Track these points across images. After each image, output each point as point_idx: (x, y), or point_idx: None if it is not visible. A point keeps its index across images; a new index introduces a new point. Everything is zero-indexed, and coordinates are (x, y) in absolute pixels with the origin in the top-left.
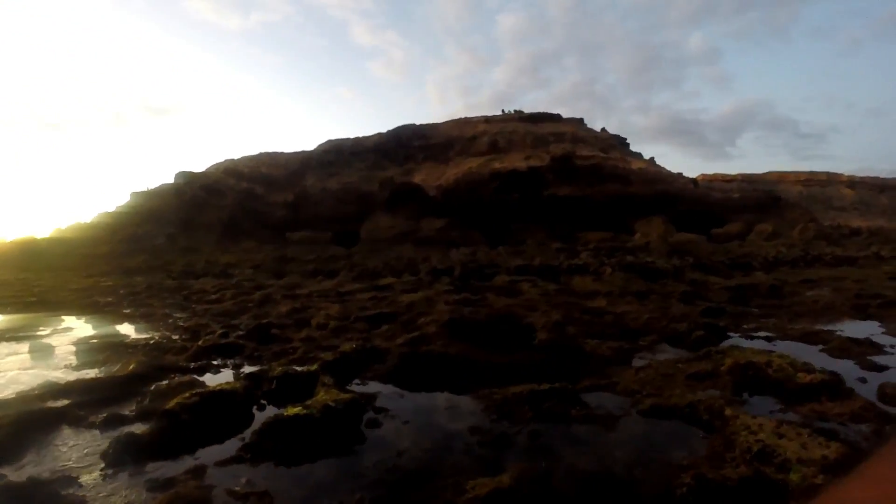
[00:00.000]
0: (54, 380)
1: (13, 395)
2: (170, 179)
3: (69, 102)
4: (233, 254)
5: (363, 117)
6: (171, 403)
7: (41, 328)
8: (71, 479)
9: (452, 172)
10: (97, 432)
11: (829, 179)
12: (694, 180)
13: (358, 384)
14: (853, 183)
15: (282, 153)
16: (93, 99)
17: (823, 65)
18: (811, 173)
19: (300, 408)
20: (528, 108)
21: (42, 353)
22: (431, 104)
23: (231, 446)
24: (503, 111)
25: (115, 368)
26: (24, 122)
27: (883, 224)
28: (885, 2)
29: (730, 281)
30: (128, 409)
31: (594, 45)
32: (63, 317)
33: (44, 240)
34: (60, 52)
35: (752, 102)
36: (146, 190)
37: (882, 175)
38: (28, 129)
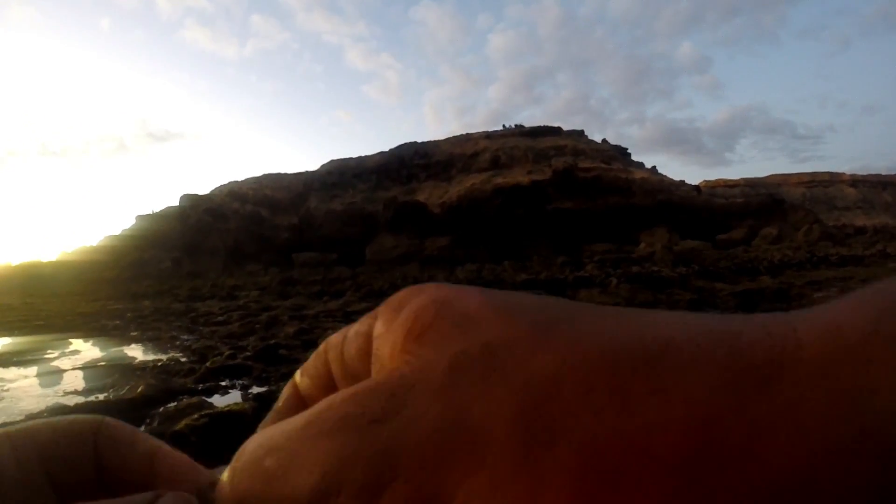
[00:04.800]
0: (63, 403)
1: (21, 418)
2: (174, 202)
3: (71, 130)
4: (238, 277)
5: (362, 138)
6: (180, 425)
7: (49, 351)
8: None
9: (455, 190)
10: None
11: (831, 179)
12: (697, 187)
13: None
14: (855, 181)
15: (285, 174)
16: (95, 126)
17: (814, 65)
18: (813, 174)
19: None
20: (524, 125)
21: (50, 376)
22: (428, 124)
23: None
24: (504, 126)
25: (123, 391)
26: (27, 150)
27: (887, 221)
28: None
29: (736, 287)
30: None
31: (585, 60)
32: (71, 340)
33: (49, 264)
34: (62, 81)
35: (746, 108)
36: (151, 213)
37: (882, 172)
38: (31, 156)
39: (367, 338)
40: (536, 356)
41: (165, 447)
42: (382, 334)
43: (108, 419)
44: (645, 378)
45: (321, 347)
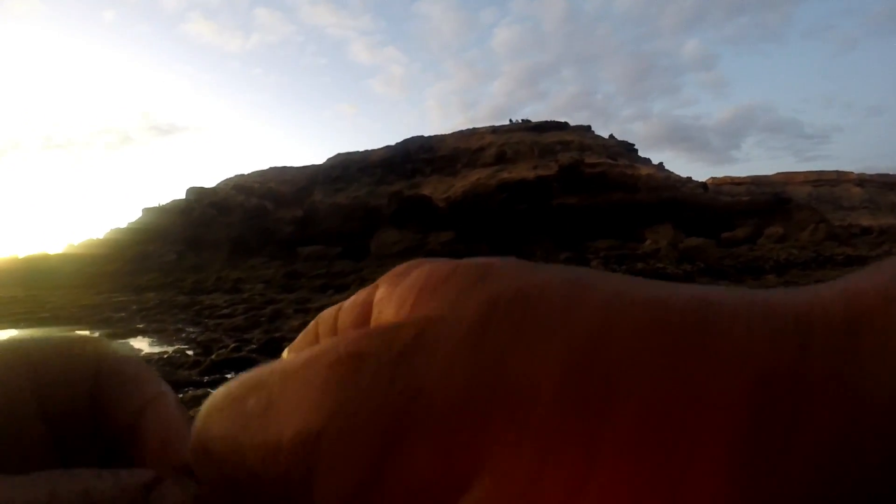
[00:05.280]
0: None
1: None
2: (180, 195)
3: (75, 124)
4: (242, 269)
5: (367, 132)
6: None
7: None
8: None
9: (460, 184)
10: None
11: (838, 179)
12: (704, 184)
13: None
14: (862, 181)
15: (290, 167)
16: (99, 119)
17: (820, 65)
18: (819, 173)
19: None
20: (530, 120)
21: None
22: (433, 118)
23: None
24: (511, 121)
25: None
26: (32, 142)
27: (893, 222)
28: None
29: (741, 285)
30: None
31: (590, 56)
32: (76, 332)
33: (55, 256)
34: (66, 73)
35: (752, 106)
36: (157, 206)
37: (888, 172)
38: (36, 148)
39: (366, 306)
40: (578, 309)
41: (164, 400)
42: (386, 297)
43: (114, 346)
44: (695, 336)
45: (312, 323)
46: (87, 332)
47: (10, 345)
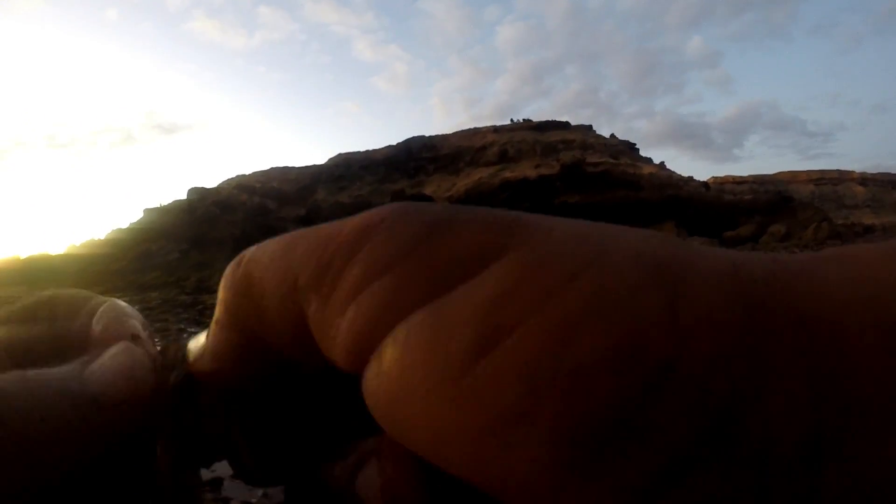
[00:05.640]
0: None
1: None
2: (182, 196)
3: (79, 122)
4: None
5: (370, 130)
6: None
7: None
8: None
9: (462, 183)
10: None
11: (841, 177)
12: (705, 183)
13: None
14: (865, 180)
15: (293, 167)
16: (103, 118)
17: (825, 62)
18: (822, 172)
19: None
20: (532, 118)
21: None
22: (436, 116)
23: None
24: (512, 120)
25: None
26: (35, 141)
27: None
28: None
29: None
30: None
31: (594, 53)
32: None
33: (58, 256)
34: (69, 72)
35: (756, 103)
36: (159, 206)
37: (892, 171)
38: (38, 148)
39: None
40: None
41: (112, 303)
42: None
43: (63, 290)
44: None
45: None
46: None
47: None
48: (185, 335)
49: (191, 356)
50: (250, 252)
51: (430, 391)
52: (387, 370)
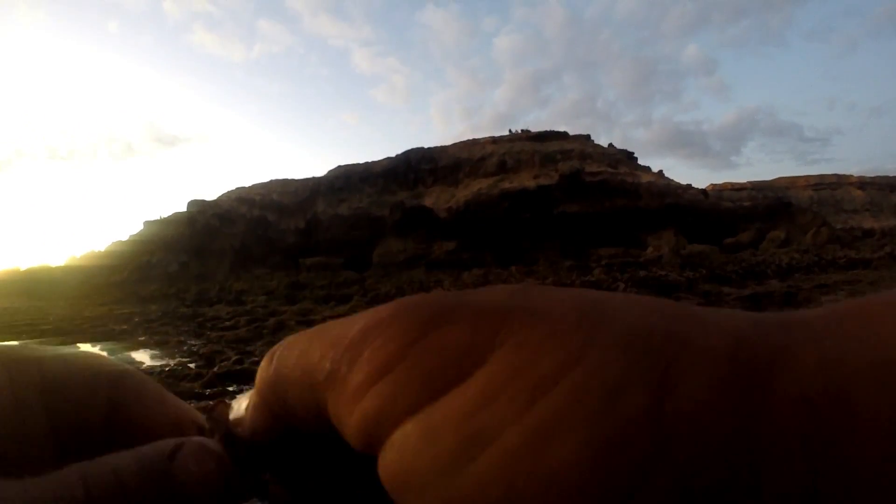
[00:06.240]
0: None
1: None
2: (182, 208)
3: (79, 134)
4: (245, 280)
5: (369, 141)
6: None
7: None
8: None
9: (462, 194)
10: None
11: (839, 181)
12: (704, 191)
13: None
14: (863, 184)
15: (292, 179)
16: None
17: (822, 67)
18: (820, 176)
19: None
20: (530, 127)
21: None
22: (435, 127)
23: None
24: (510, 131)
25: None
26: (35, 152)
27: (895, 223)
28: (879, 0)
29: (743, 291)
30: None
31: (591, 62)
32: (78, 344)
33: (58, 268)
34: (70, 84)
35: (753, 110)
36: (159, 219)
37: (890, 174)
38: (39, 160)
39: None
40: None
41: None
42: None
43: (132, 370)
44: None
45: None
46: (90, 346)
47: (24, 353)
48: (184, 347)
49: (232, 415)
50: (280, 349)
51: (427, 487)
52: (390, 464)
